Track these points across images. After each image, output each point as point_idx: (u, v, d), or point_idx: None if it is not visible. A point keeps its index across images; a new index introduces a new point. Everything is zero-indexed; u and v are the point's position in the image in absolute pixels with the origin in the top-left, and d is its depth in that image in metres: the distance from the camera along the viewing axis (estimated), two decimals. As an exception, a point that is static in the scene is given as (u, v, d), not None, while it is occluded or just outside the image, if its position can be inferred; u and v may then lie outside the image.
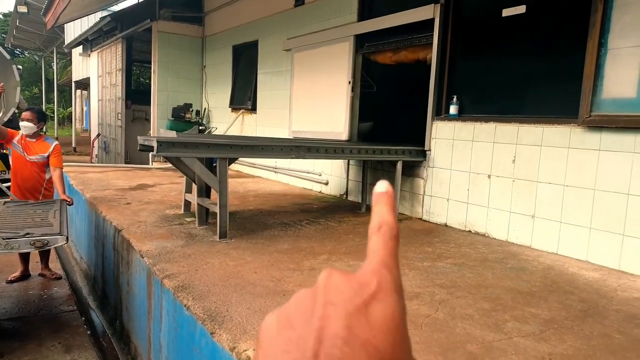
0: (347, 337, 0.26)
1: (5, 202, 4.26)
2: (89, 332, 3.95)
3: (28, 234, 3.33)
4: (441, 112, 4.72)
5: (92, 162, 13.29)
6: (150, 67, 10.49)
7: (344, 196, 6.15)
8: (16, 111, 8.86)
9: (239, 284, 2.86)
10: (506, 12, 4.11)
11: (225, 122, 9.34)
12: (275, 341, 0.28)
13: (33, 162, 4.55)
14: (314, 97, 6.63)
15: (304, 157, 4.34)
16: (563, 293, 2.80)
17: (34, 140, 4.58)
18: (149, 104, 10.92)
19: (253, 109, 8.44)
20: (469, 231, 4.33)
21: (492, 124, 4.13)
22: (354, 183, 6.00)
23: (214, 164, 4.40)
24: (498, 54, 4.29)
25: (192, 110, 10.06)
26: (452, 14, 4.60)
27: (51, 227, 3.54)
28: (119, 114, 11.91)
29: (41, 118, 4.64)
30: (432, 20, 4.70)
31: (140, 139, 3.89)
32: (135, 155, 11.92)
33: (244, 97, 8.94)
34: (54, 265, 5.46)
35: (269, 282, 2.91)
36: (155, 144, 3.51)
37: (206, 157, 4.11)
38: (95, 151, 13.95)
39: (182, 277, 2.95)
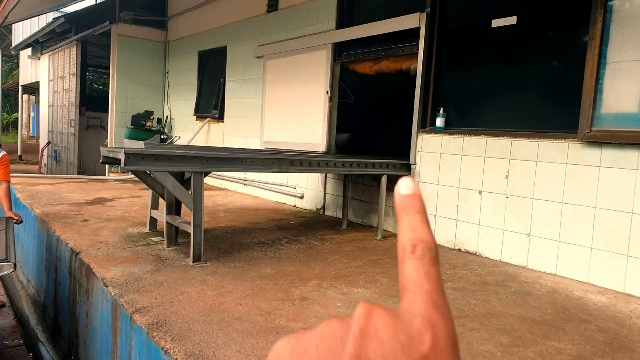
0: None
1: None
2: (39, 372, 3.45)
3: (-33, 261, 2.84)
4: (427, 125, 4.52)
5: (41, 172, 12.40)
6: (107, 73, 9.86)
7: (322, 211, 5.84)
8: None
9: (223, 319, 2.50)
10: (496, 23, 3.97)
11: (189, 131, 8.87)
12: None
13: (-25, 175, 4.00)
14: (288, 106, 6.33)
15: (287, 171, 4.02)
16: (579, 322, 2.61)
17: (-23, 150, 4.03)
18: (105, 112, 10.27)
19: (220, 118, 8.03)
20: (459, 250, 4.12)
21: (483, 137, 3.96)
22: (332, 197, 5.71)
23: (186, 178, 4.01)
24: (488, 65, 4.14)
25: (154, 118, 9.52)
26: (438, 23, 4.43)
27: (-4, 253, 3.05)
28: (73, 122, 11.16)
29: None
30: (417, 30, 4.52)
31: (104, 151, 3.45)
32: (89, 165, 11.20)
33: (210, 106, 8.52)
34: (-2, 290, 4.86)
35: (257, 316, 2.56)
36: (122, 157, 3.09)
37: (178, 171, 3.71)
38: (44, 160, 13.03)
39: (155, 311, 2.55)
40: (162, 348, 2.18)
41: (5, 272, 2.93)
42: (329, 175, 5.68)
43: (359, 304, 0.25)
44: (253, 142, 7.05)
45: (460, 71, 4.41)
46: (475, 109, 4.20)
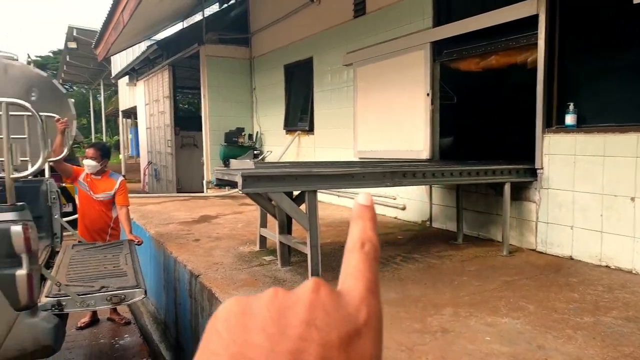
0: None
1: (74, 246, 3.88)
2: (167, 397, 3.45)
3: (103, 287, 2.89)
4: (552, 123, 4.03)
5: (144, 190, 13.18)
6: (192, 93, 10.19)
7: (428, 223, 5.49)
8: (73, 144, 8.72)
9: (363, 353, 2.27)
10: (640, 0, 3.41)
11: (279, 144, 8.91)
12: (239, 338, 0.25)
13: (100, 200, 4.17)
14: (383, 113, 6.07)
15: (399, 184, 3.76)
16: None
17: (99, 177, 4.21)
18: (197, 130, 10.66)
19: (310, 130, 7.96)
20: (607, 266, 3.59)
21: (632, 134, 3.41)
22: (439, 207, 5.35)
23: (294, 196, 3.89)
24: (631, 48, 3.57)
25: (245, 134, 9.71)
26: (559, 6, 3.95)
27: (126, 278, 3.08)
28: (169, 141, 11.73)
29: (104, 155, 4.26)
30: (535, 17, 4.06)
31: (219, 173, 3.41)
32: (186, 182, 11.69)
33: (299, 118, 8.50)
34: (121, 307, 5.03)
35: (398, 352, 2.31)
36: (239, 180, 3.01)
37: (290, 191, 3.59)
38: (146, 179, 13.87)
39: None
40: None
41: (137, 299, 2.95)
42: (434, 185, 5.32)
43: (308, 280, 0.28)
44: (345, 153, 6.87)
45: (592, 59, 3.88)
46: (615, 102, 3.65)
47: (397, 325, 2.61)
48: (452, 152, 5.55)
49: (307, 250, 3.35)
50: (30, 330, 2.46)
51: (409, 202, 5.79)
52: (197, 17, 10.75)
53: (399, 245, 4.55)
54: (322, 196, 7.60)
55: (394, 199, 6.03)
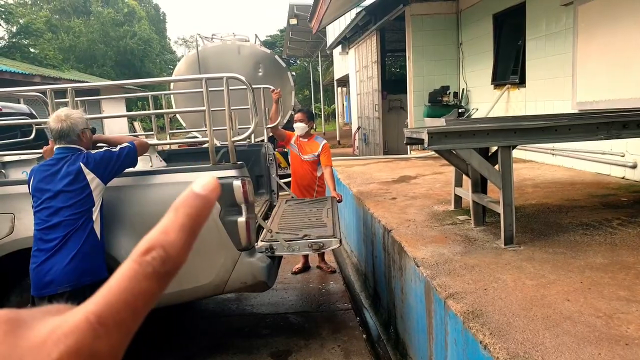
0: None
1: (286, 201, 4.55)
2: (364, 337, 3.83)
3: (306, 235, 3.35)
4: None
5: (354, 154, 14.13)
6: (400, 56, 10.27)
7: (667, 183, 4.56)
8: (293, 113, 9.94)
9: (548, 316, 2.14)
10: None
11: (486, 101, 8.41)
12: None
13: (307, 161, 4.76)
14: (610, 56, 5.17)
15: (617, 137, 3.22)
16: None
17: (306, 140, 4.78)
18: (402, 93, 10.78)
19: (521, 83, 7.28)
20: None
21: None
22: (683, 165, 4.37)
23: (490, 152, 3.73)
24: None
25: (449, 92, 9.44)
26: None
27: (325, 229, 3.50)
28: (376, 106, 12.20)
29: (310, 117, 4.83)
30: None
31: (407, 132, 3.51)
32: (392, 144, 12.06)
33: (508, 71, 7.84)
34: (329, 257, 5.69)
35: (593, 317, 2.10)
36: (425, 137, 3.05)
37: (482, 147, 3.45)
38: (356, 143, 14.80)
39: (469, 298, 2.41)
40: (481, 342, 2.01)
41: (333, 247, 3.33)
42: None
43: None
44: (560, 105, 6.12)
45: None
46: None
47: (597, 291, 2.35)
48: None
49: (500, 209, 3.21)
50: (249, 267, 3.05)
51: (642, 160, 4.88)
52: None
53: (619, 208, 3.94)
54: (534, 155, 6.99)
55: (622, 155, 5.16)
